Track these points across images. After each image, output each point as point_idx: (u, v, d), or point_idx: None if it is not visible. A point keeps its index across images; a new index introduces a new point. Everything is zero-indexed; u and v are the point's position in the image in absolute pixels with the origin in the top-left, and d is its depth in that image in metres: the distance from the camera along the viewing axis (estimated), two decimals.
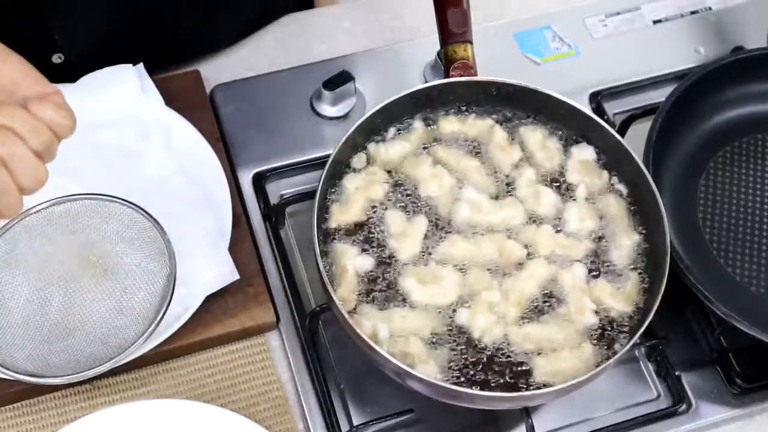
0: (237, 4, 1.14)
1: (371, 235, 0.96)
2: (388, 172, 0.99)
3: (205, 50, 1.16)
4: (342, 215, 0.95)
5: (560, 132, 1.02)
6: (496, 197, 0.98)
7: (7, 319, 0.93)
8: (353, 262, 0.93)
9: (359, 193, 0.96)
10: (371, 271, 0.94)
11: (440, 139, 1.01)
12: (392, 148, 0.99)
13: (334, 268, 0.93)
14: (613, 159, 1.00)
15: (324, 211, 0.96)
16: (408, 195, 0.98)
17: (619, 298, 0.94)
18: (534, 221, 0.97)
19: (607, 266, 0.96)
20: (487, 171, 0.99)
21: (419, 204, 0.97)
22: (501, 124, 1.02)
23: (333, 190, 0.97)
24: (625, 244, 0.96)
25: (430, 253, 0.95)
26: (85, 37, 1.07)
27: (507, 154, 1.00)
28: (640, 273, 0.95)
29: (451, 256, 0.94)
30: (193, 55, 1.15)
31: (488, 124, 1.02)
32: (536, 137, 1.01)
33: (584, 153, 1.01)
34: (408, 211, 0.97)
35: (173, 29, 1.12)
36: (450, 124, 1.01)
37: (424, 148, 1.00)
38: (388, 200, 0.97)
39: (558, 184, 1.00)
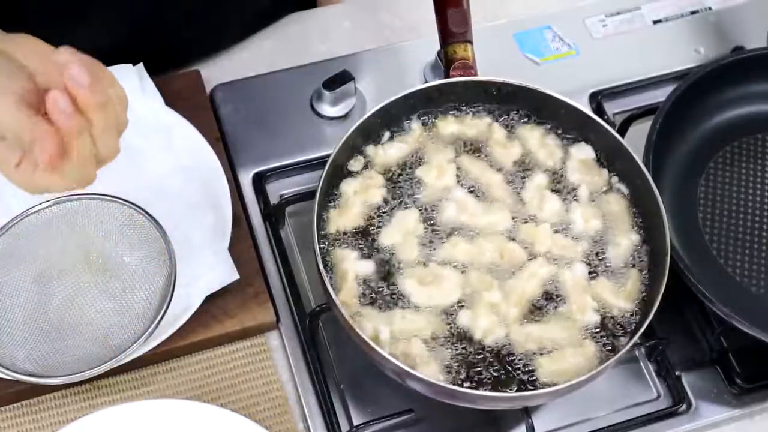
0: (239, 4, 1.14)
1: (371, 239, 0.95)
2: (387, 173, 0.99)
3: (207, 51, 1.16)
4: (341, 220, 0.95)
5: (559, 132, 1.02)
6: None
7: (7, 319, 0.93)
8: (354, 266, 0.93)
9: (357, 198, 0.96)
10: (372, 274, 0.94)
11: (439, 140, 1.01)
12: (390, 150, 0.99)
13: (335, 273, 0.93)
14: (613, 159, 1.00)
15: (323, 215, 0.95)
16: (405, 192, 0.98)
17: (621, 295, 0.94)
18: (531, 220, 0.97)
19: (608, 265, 0.96)
20: (510, 186, 0.99)
21: (412, 194, 0.98)
22: (499, 122, 1.02)
23: (331, 194, 0.97)
24: (623, 243, 0.96)
25: (430, 253, 0.95)
26: (85, 38, 1.07)
27: (507, 150, 1.00)
28: (640, 270, 0.95)
29: (452, 258, 0.94)
30: (194, 56, 1.15)
31: (486, 122, 1.02)
32: (535, 136, 1.01)
33: (583, 152, 1.01)
34: (400, 204, 0.97)
35: (174, 31, 1.11)
36: (448, 125, 1.01)
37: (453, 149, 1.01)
38: (385, 203, 0.97)
39: (560, 183, 1.00)
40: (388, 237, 0.95)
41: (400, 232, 0.95)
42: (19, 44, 0.77)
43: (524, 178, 1.00)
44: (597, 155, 1.01)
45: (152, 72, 1.09)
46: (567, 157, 1.01)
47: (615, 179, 1.00)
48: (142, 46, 1.10)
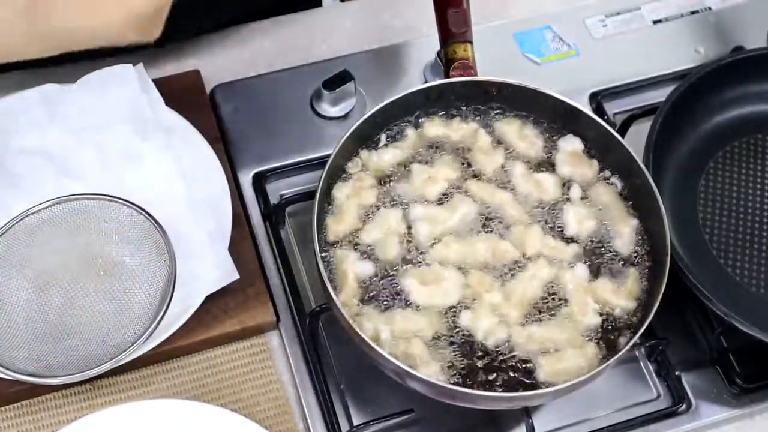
0: None
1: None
2: (380, 177, 0.99)
3: (201, 29, 1.15)
4: (339, 226, 0.95)
5: (556, 130, 1.02)
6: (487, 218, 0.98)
7: (7, 319, 0.94)
8: (354, 267, 0.93)
9: (351, 202, 0.96)
10: (372, 274, 0.94)
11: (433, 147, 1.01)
12: (385, 155, 0.99)
13: (336, 273, 0.93)
14: (613, 159, 1.00)
15: (322, 220, 0.95)
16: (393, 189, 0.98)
17: (622, 294, 0.94)
18: (541, 207, 0.98)
19: (609, 261, 0.96)
20: (519, 200, 0.98)
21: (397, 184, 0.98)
22: (497, 122, 1.02)
23: (328, 198, 0.97)
24: (625, 231, 0.97)
25: (422, 253, 0.95)
26: None
27: (490, 157, 1.00)
28: (640, 269, 0.95)
29: (445, 259, 0.94)
30: (187, 33, 1.14)
31: (472, 128, 1.01)
32: (512, 129, 1.01)
33: (571, 144, 1.01)
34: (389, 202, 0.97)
35: None
36: (434, 127, 1.01)
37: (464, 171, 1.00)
38: (379, 201, 0.97)
39: (549, 170, 1.00)
40: (369, 235, 0.95)
41: (382, 230, 0.95)
42: None
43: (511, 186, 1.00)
44: (588, 149, 1.01)
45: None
46: (555, 151, 1.01)
47: (608, 173, 1.00)
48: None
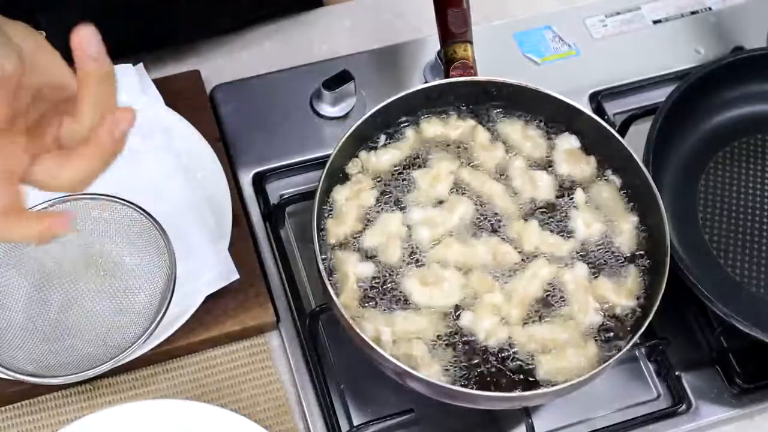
0: None
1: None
2: (379, 178, 0.98)
3: (200, 32, 1.15)
4: (339, 229, 0.95)
5: (555, 130, 1.02)
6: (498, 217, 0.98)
7: (7, 319, 0.94)
8: (355, 268, 0.93)
9: (350, 204, 0.96)
10: (373, 275, 0.94)
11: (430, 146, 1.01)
12: (383, 156, 0.99)
13: (336, 275, 0.93)
14: (613, 159, 1.00)
15: (322, 222, 0.95)
16: (395, 194, 0.98)
17: (622, 293, 0.93)
18: (524, 218, 0.97)
19: (609, 260, 0.96)
20: (510, 193, 0.98)
21: (403, 194, 0.97)
22: (484, 125, 1.02)
23: (327, 200, 0.97)
24: (626, 228, 0.97)
25: (422, 255, 0.95)
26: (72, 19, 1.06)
27: (490, 153, 1.00)
28: (640, 268, 0.95)
29: (446, 259, 0.94)
30: (187, 35, 1.14)
31: (470, 124, 1.01)
32: (516, 130, 1.01)
33: (568, 142, 1.01)
34: (391, 205, 0.97)
35: (170, 13, 1.11)
36: (431, 126, 1.01)
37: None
38: (377, 202, 0.97)
39: (551, 172, 1.00)
40: (371, 239, 0.95)
41: (384, 235, 0.95)
42: (16, 28, 0.71)
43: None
44: (585, 146, 1.01)
45: (143, 48, 1.08)
46: (552, 150, 1.01)
47: (608, 171, 1.00)
48: (136, 28, 1.09)
